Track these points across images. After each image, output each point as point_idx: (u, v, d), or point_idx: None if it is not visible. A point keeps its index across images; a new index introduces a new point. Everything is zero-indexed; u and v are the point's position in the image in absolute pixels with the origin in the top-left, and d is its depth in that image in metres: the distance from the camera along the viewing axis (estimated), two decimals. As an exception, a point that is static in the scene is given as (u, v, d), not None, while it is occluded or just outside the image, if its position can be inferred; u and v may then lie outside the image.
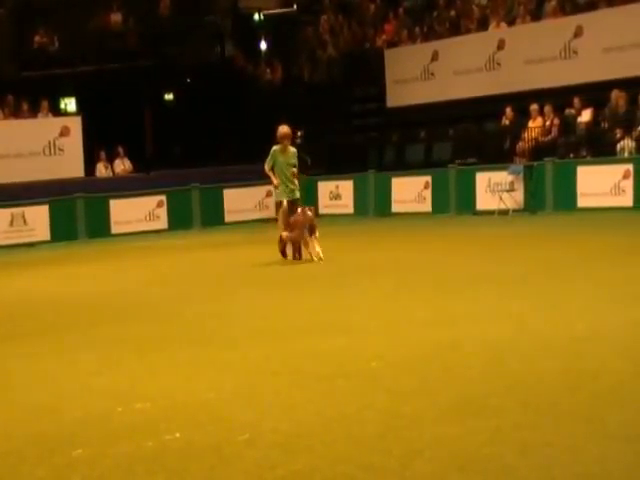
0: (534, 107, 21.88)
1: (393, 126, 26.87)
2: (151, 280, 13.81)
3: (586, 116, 21.26)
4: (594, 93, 21.22)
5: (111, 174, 25.19)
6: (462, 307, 9.27)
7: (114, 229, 23.00)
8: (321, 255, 13.95)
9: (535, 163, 21.08)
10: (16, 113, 24.79)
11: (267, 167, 14.89)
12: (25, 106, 24.72)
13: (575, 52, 22.21)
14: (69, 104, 29.02)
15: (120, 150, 25.38)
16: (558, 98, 21.76)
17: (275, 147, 14.87)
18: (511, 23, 24.29)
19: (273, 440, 5.29)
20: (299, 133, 26.02)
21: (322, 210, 24.49)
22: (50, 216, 22.34)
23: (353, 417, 5.64)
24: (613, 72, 21.01)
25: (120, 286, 13.39)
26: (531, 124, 22.04)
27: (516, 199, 20.91)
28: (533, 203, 20.84)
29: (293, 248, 14.51)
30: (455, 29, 25.69)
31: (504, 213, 20.76)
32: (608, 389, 5.90)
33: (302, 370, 6.95)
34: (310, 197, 23.84)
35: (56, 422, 6.02)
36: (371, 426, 5.42)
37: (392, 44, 27.09)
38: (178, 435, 5.53)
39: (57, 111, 26.83)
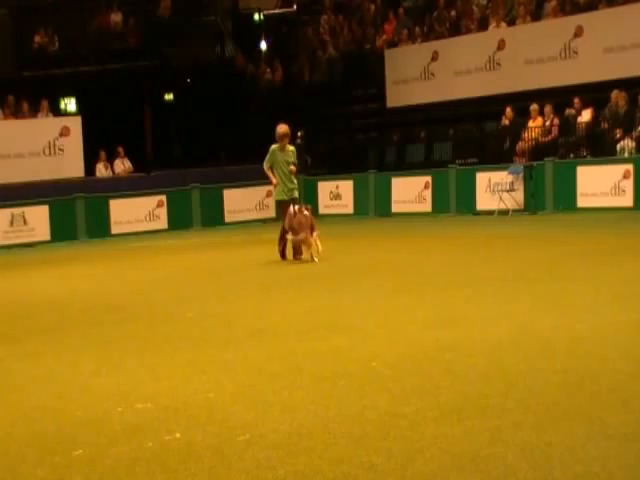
0: (534, 107, 21.89)
1: (393, 126, 26.90)
2: (151, 280, 13.81)
3: (586, 116, 21.28)
4: (594, 93, 21.24)
5: (111, 174, 25.20)
6: (462, 307, 9.28)
7: (114, 229, 23.03)
8: (320, 248, 13.98)
9: (535, 163, 21.10)
10: (16, 113, 24.81)
11: (266, 166, 14.90)
12: (25, 106, 24.73)
13: (575, 52, 22.21)
14: (69, 104, 29.03)
15: (120, 150, 25.39)
16: (558, 98, 21.77)
17: (274, 146, 14.88)
18: (511, 23, 24.30)
19: (273, 440, 5.29)
20: (299, 133, 26.04)
21: (322, 210, 24.54)
22: (50, 216, 22.37)
23: (353, 417, 5.64)
24: (613, 72, 21.02)
25: (120, 286, 13.39)
26: (531, 124, 22.05)
27: (516, 199, 20.92)
28: (533, 203, 20.86)
29: (293, 248, 14.51)
30: (455, 29, 25.69)
31: (504, 213, 20.78)
32: (608, 389, 5.90)
33: (302, 370, 6.94)
34: (310, 197, 23.89)
35: (56, 422, 6.02)
36: (371, 426, 5.42)
37: (392, 44, 27.09)
38: (178, 435, 5.53)
39: (57, 111, 26.86)
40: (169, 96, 30.49)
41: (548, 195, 20.79)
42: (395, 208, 23.52)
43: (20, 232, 22.09)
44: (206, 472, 4.88)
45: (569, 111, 21.69)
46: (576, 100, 21.44)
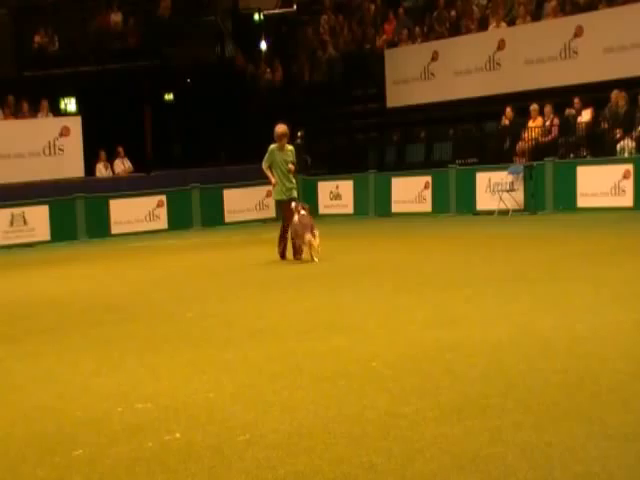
0: (534, 107, 21.89)
1: (393, 126, 26.90)
2: (151, 280, 13.81)
3: (586, 116, 21.28)
4: (594, 93, 21.24)
5: (111, 174, 25.20)
6: (462, 307, 9.28)
7: (114, 229, 23.03)
8: (318, 246, 14.00)
9: (535, 163, 21.09)
10: (16, 113, 24.81)
11: (265, 166, 14.93)
12: (25, 106, 24.73)
13: (575, 52, 22.21)
14: (69, 104, 29.04)
15: (120, 150, 25.39)
16: (558, 98, 21.77)
17: (272, 146, 14.90)
18: (511, 23, 24.30)
19: (273, 440, 5.29)
20: (299, 133, 26.05)
21: (322, 210, 24.55)
22: (50, 216, 22.37)
23: (354, 417, 5.64)
24: (613, 72, 21.02)
25: (120, 286, 13.40)
26: (531, 124, 22.05)
27: (516, 199, 20.92)
28: (533, 203, 20.85)
29: (293, 248, 14.51)
30: (455, 29, 25.69)
31: (504, 213, 20.78)
32: (608, 389, 5.90)
33: (302, 370, 6.94)
34: (310, 197, 23.90)
35: (56, 422, 6.02)
36: (372, 426, 5.43)
37: (392, 44, 27.08)
38: (178, 435, 5.53)
39: (57, 111, 26.86)
40: (169, 96, 30.49)
41: (548, 195, 20.79)
42: (395, 208, 23.52)
43: (20, 232, 22.09)
44: (206, 472, 4.88)
45: (569, 111, 21.69)
46: (576, 100, 21.44)
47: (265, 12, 32.25)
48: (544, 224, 18.81)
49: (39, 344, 8.90)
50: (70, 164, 24.14)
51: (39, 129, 24.18)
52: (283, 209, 14.94)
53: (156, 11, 29.43)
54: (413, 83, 25.88)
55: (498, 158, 22.12)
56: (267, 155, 14.87)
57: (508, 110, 22.58)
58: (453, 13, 26.26)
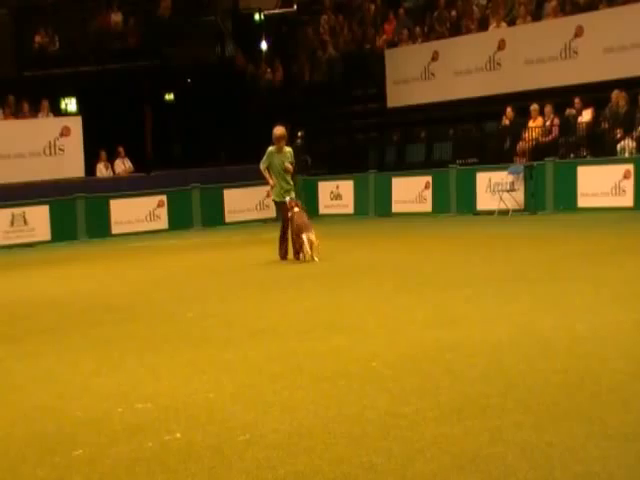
0: (534, 107, 21.88)
1: (393, 126, 26.89)
2: (151, 280, 13.81)
3: (586, 116, 21.27)
4: (594, 93, 21.24)
5: (111, 174, 25.20)
6: (462, 307, 9.28)
7: (114, 229, 23.03)
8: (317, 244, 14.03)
9: (535, 163, 21.09)
10: (16, 113, 24.81)
11: (262, 167, 14.96)
12: (25, 106, 24.73)
13: (575, 52, 22.21)
14: (69, 104, 29.04)
15: (120, 150, 25.39)
16: (558, 98, 21.76)
17: (271, 148, 14.92)
18: (511, 23, 24.29)
19: (273, 440, 5.29)
20: (299, 133, 26.05)
21: (322, 210, 24.56)
22: (50, 216, 22.37)
23: (354, 417, 5.64)
24: (613, 72, 21.01)
25: (120, 286, 13.40)
26: (531, 124, 22.04)
27: (516, 199, 20.92)
28: (533, 203, 20.85)
29: (293, 248, 14.53)
30: (455, 29, 25.69)
31: (504, 213, 20.77)
32: (608, 389, 5.90)
33: (302, 370, 6.95)
34: (310, 197, 23.91)
35: (56, 422, 6.02)
36: (372, 426, 5.43)
37: (392, 44, 27.08)
38: (178, 435, 5.53)
39: (57, 111, 26.85)
40: (169, 96, 30.50)
41: (548, 195, 20.78)
42: (395, 208, 23.52)
43: (20, 232, 22.09)
44: (206, 472, 4.88)
45: (569, 111, 21.68)
46: (576, 100, 21.44)
47: (265, 12, 32.25)
48: (544, 224, 18.81)
49: (39, 344, 8.90)
50: (70, 164, 24.14)
51: (39, 129, 24.19)
52: (281, 210, 14.99)
53: (156, 11, 29.43)
54: (413, 83, 25.88)
55: (498, 158, 22.11)
56: (265, 157, 14.91)
57: (508, 110, 22.58)
58: (453, 13, 26.26)
